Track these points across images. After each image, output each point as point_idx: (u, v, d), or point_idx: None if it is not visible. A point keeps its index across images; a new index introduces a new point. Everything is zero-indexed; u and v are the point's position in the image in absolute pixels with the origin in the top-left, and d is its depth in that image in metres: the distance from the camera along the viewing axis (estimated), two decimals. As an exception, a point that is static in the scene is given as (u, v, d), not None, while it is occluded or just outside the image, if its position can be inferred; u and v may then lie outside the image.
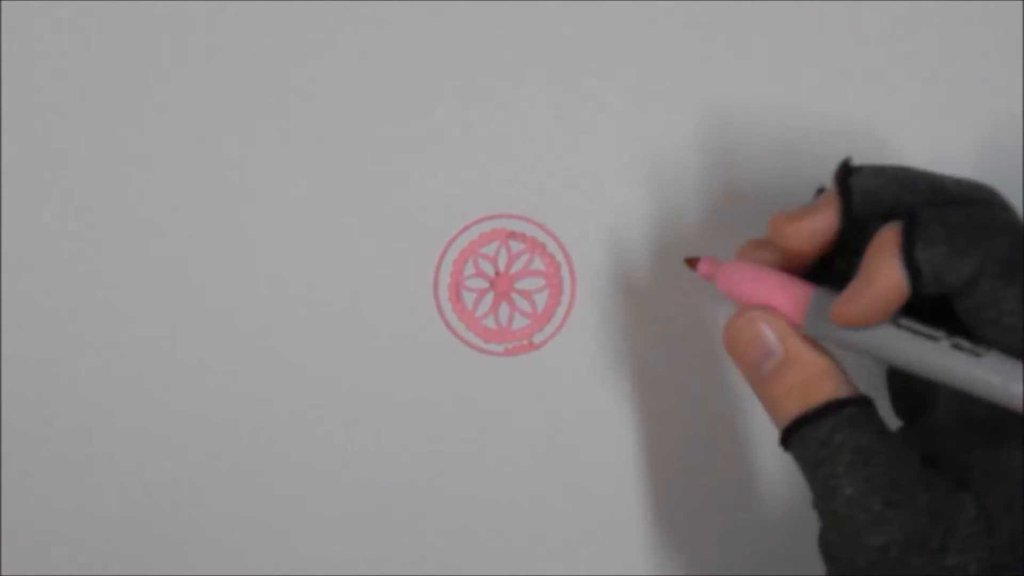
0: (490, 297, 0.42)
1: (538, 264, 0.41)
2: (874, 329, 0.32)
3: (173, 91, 0.41)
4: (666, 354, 0.41)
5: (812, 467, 0.32)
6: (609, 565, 0.43)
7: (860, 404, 0.32)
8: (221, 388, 0.42)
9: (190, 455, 0.42)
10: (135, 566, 0.42)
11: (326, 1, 0.40)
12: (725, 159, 0.41)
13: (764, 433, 0.42)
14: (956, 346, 0.31)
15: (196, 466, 0.42)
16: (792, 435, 0.32)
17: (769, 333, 0.33)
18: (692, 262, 0.36)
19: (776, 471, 0.42)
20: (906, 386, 0.35)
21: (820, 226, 0.33)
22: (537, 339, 0.42)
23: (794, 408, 0.32)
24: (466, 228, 0.41)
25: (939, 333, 0.31)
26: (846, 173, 0.33)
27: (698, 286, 0.41)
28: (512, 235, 0.41)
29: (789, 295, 0.33)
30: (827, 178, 0.41)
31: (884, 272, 0.31)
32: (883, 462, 0.31)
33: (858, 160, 0.41)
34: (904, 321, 0.32)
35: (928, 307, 0.33)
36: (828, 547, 0.32)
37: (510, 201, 0.41)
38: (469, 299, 0.42)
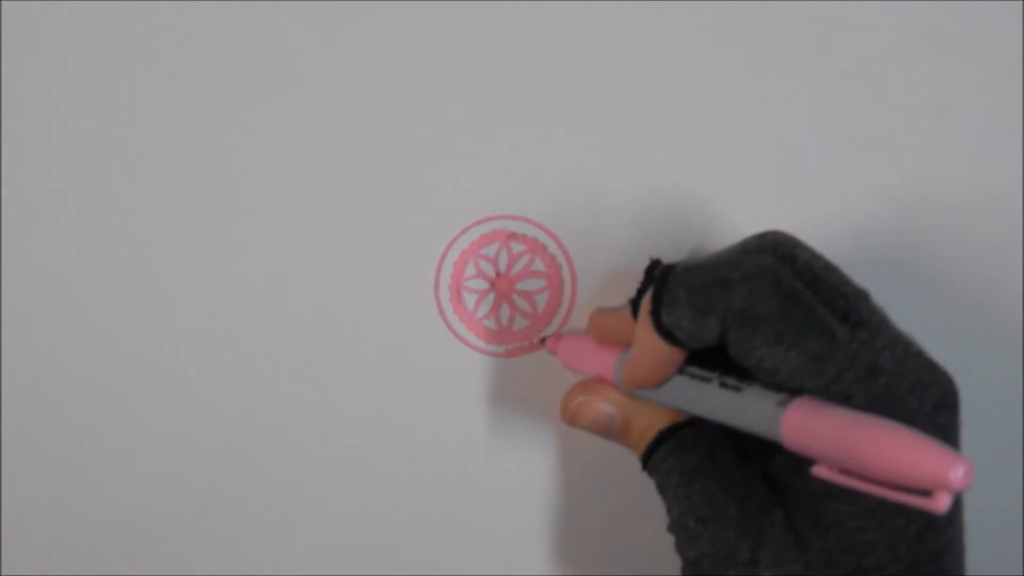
0: (491, 298, 0.42)
1: (539, 265, 0.41)
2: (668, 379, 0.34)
3: (174, 92, 0.41)
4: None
5: (659, 493, 0.35)
6: (612, 564, 0.43)
7: (692, 427, 0.35)
8: (221, 388, 0.42)
9: (191, 455, 0.42)
10: (135, 566, 0.42)
11: (327, 1, 0.40)
12: (725, 159, 0.41)
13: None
14: (723, 384, 0.33)
15: (197, 466, 0.42)
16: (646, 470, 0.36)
17: (604, 405, 0.36)
18: (543, 342, 0.41)
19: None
20: None
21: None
22: (538, 340, 0.42)
23: (643, 450, 0.36)
24: (466, 229, 0.41)
25: (712, 374, 0.33)
26: (656, 315, 0.33)
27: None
28: (513, 236, 0.41)
29: (601, 364, 0.37)
30: (824, 184, 0.41)
31: (646, 340, 0.33)
32: (702, 480, 0.34)
33: (865, 160, 0.41)
34: (687, 367, 0.34)
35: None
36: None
37: (510, 202, 0.41)
38: (470, 300, 0.42)
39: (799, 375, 0.31)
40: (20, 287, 0.41)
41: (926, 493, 0.27)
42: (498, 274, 0.42)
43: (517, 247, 0.41)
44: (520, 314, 0.42)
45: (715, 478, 0.34)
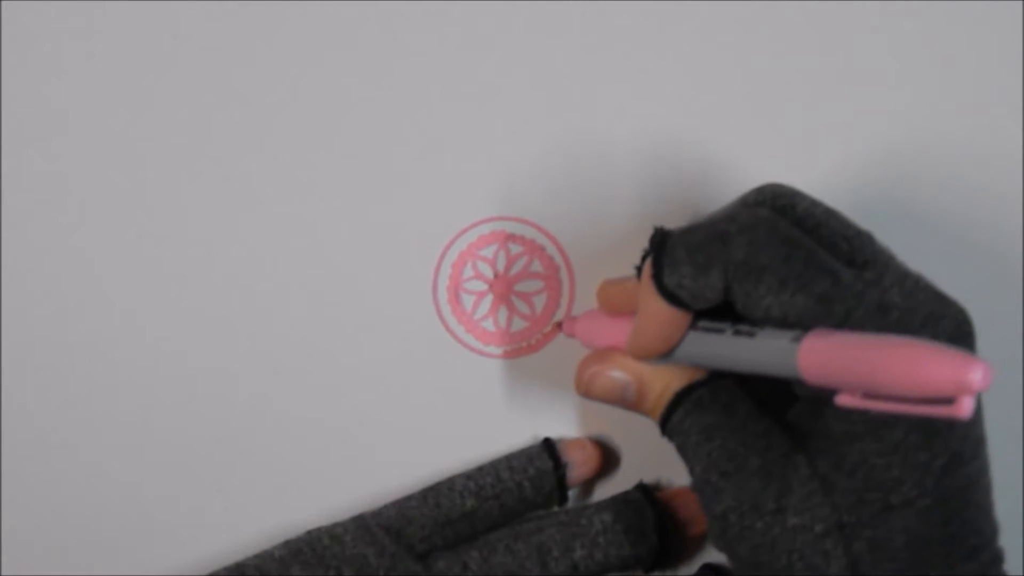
0: (489, 299, 0.42)
1: (537, 266, 0.41)
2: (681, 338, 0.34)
3: (174, 93, 0.41)
4: (666, 356, 0.41)
5: (680, 455, 0.35)
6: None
7: (708, 385, 0.35)
8: (220, 390, 0.42)
9: (190, 457, 0.42)
10: (135, 566, 0.42)
11: (326, 2, 0.41)
12: (724, 159, 0.41)
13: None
14: (737, 331, 0.33)
15: (196, 468, 0.42)
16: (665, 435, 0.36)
17: (617, 373, 0.36)
18: (558, 327, 0.41)
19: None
20: None
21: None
22: (536, 341, 0.42)
23: (660, 414, 0.36)
24: (465, 231, 0.41)
25: (724, 325, 0.33)
26: (658, 278, 0.33)
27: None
28: (511, 237, 0.41)
29: (615, 335, 0.37)
30: (815, 181, 0.41)
31: (650, 306, 0.33)
32: (722, 435, 0.34)
33: (857, 161, 0.41)
34: (699, 322, 0.34)
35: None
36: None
37: (509, 203, 0.41)
38: (468, 301, 0.42)
39: (809, 318, 0.31)
40: (20, 287, 0.41)
41: (949, 402, 0.27)
42: (496, 275, 0.42)
43: (515, 248, 0.41)
44: (518, 316, 0.42)
45: (735, 432, 0.34)
